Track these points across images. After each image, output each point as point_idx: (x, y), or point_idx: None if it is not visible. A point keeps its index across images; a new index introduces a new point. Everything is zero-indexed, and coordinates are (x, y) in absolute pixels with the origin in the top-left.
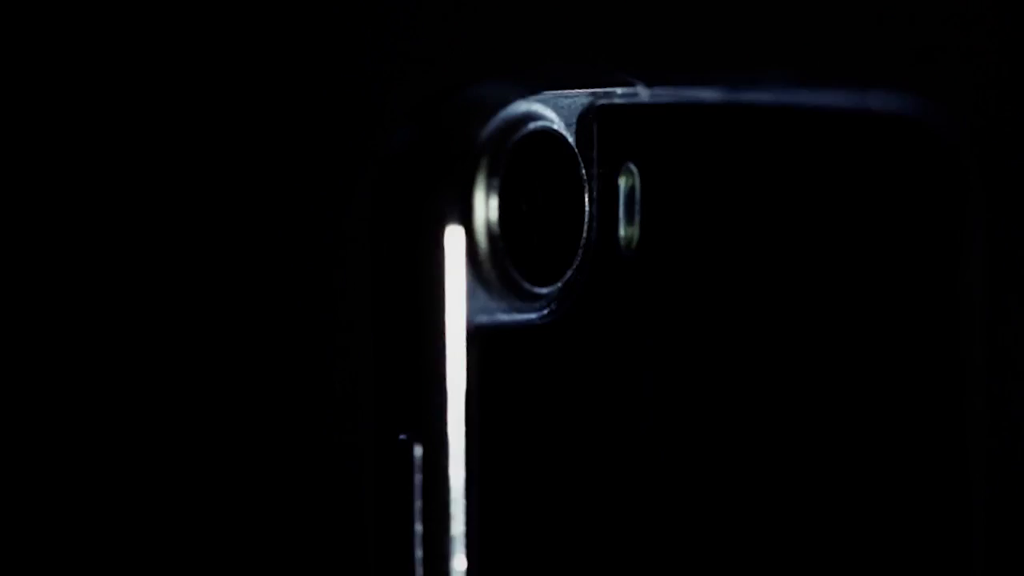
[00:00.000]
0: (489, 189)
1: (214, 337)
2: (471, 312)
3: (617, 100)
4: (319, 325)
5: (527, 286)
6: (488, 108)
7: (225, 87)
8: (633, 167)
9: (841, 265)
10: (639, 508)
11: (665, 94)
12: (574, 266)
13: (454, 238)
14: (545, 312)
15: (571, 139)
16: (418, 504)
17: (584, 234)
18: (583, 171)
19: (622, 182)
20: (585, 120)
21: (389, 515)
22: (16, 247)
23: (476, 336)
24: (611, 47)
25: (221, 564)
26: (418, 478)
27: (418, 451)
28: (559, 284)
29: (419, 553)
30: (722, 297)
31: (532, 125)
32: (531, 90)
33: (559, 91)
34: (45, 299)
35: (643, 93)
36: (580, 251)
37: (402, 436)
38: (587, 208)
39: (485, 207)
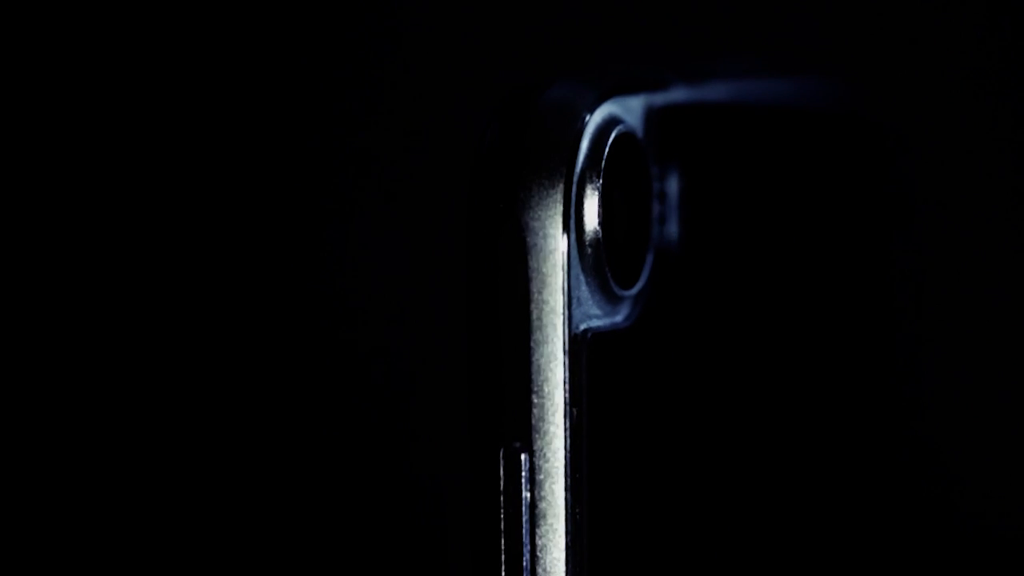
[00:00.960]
0: (591, 193)
1: (318, 344)
2: (577, 319)
3: (674, 100)
4: (424, 333)
5: (616, 289)
6: (582, 111)
7: (316, 85)
8: (683, 166)
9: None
10: (729, 506)
11: (713, 93)
12: (647, 267)
13: (561, 243)
14: (629, 315)
15: (641, 140)
16: (527, 513)
17: (652, 235)
18: (652, 172)
19: (674, 182)
20: (650, 121)
21: (497, 524)
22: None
23: (580, 343)
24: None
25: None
26: (527, 487)
27: (526, 460)
28: (639, 286)
29: (527, 559)
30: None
31: (619, 128)
32: (615, 92)
33: (630, 92)
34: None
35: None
36: (650, 252)
37: (514, 445)
38: (654, 208)
39: (587, 212)
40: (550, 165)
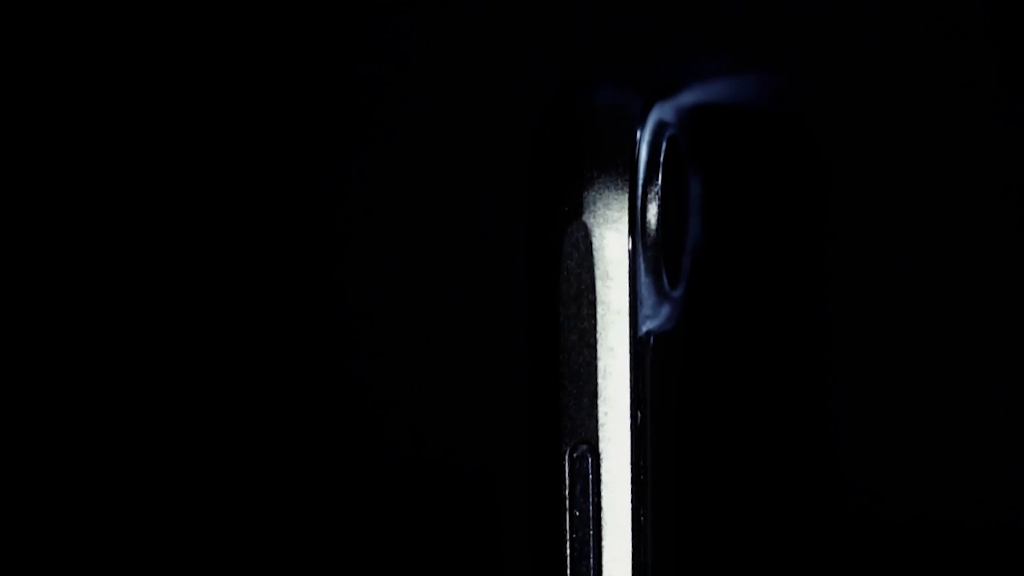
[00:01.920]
0: (652, 196)
1: (373, 350)
2: (640, 321)
3: (707, 102)
4: (482, 334)
5: (669, 290)
6: (639, 115)
7: (364, 83)
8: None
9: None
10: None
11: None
12: (688, 267)
13: (627, 245)
14: (671, 315)
15: (682, 143)
16: (592, 514)
17: (690, 236)
18: (689, 173)
19: (700, 183)
20: (686, 123)
21: (562, 526)
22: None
23: (644, 344)
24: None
25: None
26: (592, 488)
27: (592, 461)
28: (682, 287)
29: (592, 560)
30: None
31: (669, 131)
32: (666, 95)
33: (676, 95)
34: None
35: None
36: (689, 252)
37: (580, 447)
38: (691, 209)
39: (650, 214)
40: (612, 168)
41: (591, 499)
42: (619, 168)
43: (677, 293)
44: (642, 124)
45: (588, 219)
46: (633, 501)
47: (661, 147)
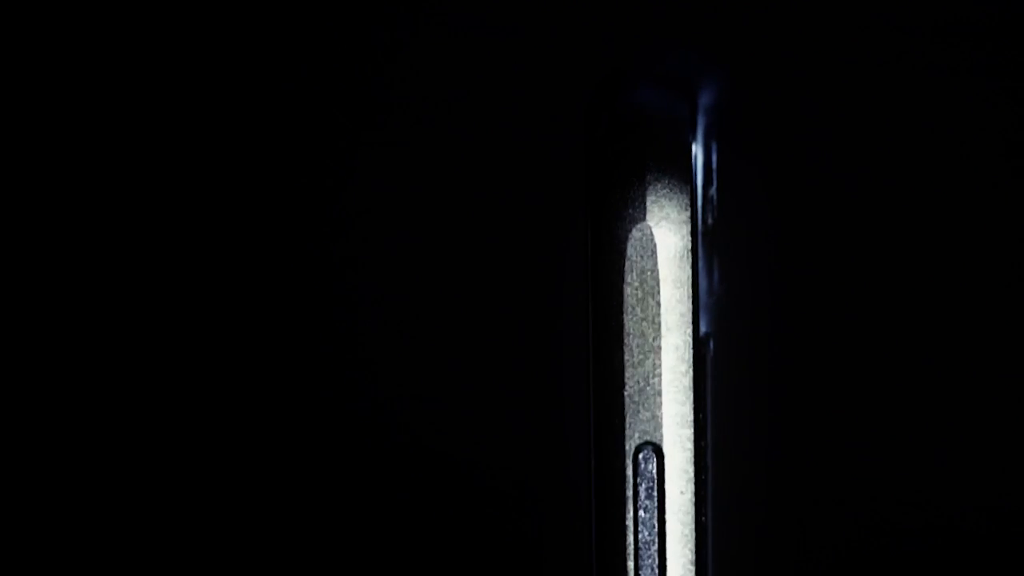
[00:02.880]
0: (711, 199)
1: (437, 351)
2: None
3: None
4: (541, 334)
5: (718, 290)
6: (693, 118)
7: (397, 79)
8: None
9: None
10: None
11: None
12: (730, 266)
13: (689, 246)
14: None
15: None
16: (656, 513)
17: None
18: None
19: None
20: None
21: (624, 524)
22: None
23: (704, 344)
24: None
25: None
26: (656, 487)
27: (656, 461)
28: (727, 286)
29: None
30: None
31: (714, 131)
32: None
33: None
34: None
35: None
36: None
37: (645, 446)
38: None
39: (708, 216)
40: (675, 172)
41: (656, 499)
42: (680, 170)
43: (725, 293)
44: (694, 125)
45: (652, 221)
46: (696, 501)
47: (712, 148)
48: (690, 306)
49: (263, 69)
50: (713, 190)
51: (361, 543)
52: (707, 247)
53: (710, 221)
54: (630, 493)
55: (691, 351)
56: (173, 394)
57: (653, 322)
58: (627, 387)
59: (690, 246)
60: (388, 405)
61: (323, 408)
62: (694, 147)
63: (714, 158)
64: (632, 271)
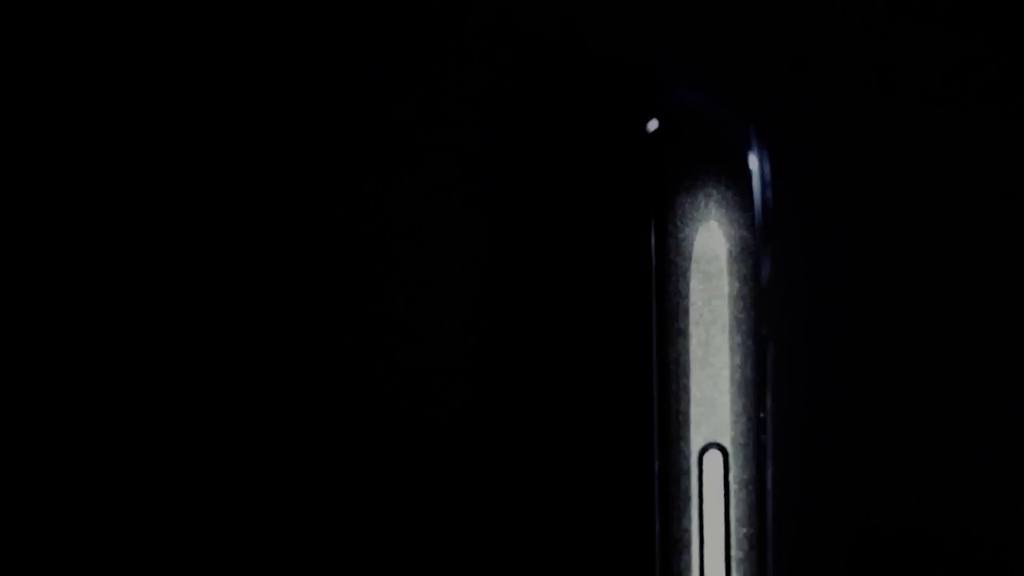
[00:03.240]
0: (767, 198)
1: (506, 352)
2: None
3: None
4: (602, 335)
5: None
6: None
7: (451, 88)
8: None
9: None
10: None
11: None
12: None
13: (749, 249)
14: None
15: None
16: (724, 510)
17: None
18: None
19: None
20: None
21: (688, 523)
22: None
23: (766, 343)
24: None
25: None
26: (724, 485)
27: (723, 459)
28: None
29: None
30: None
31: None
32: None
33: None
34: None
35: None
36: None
37: (712, 445)
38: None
39: (766, 217)
40: (738, 178)
41: (723, 497)
42: (742, 173)
43: (786, 293)
44: (746, 129)
45: (717, 223)
46: (760, 498)
47: (763, 152)
48: (754, 306)
49: (301, 83)
50: (769, 193)
51: (420, 539)
52: (769, 248)
53: (771, 223)
54: (695, 492)
55: (755, 350)
56: (171, 392)
57: (717, 323)
58: (692, 388)
59: (753, 248)
60: (453, 404)
61: (378, 408)
62: (754, 151)
63: (766, 162)
64: (697, 272)
